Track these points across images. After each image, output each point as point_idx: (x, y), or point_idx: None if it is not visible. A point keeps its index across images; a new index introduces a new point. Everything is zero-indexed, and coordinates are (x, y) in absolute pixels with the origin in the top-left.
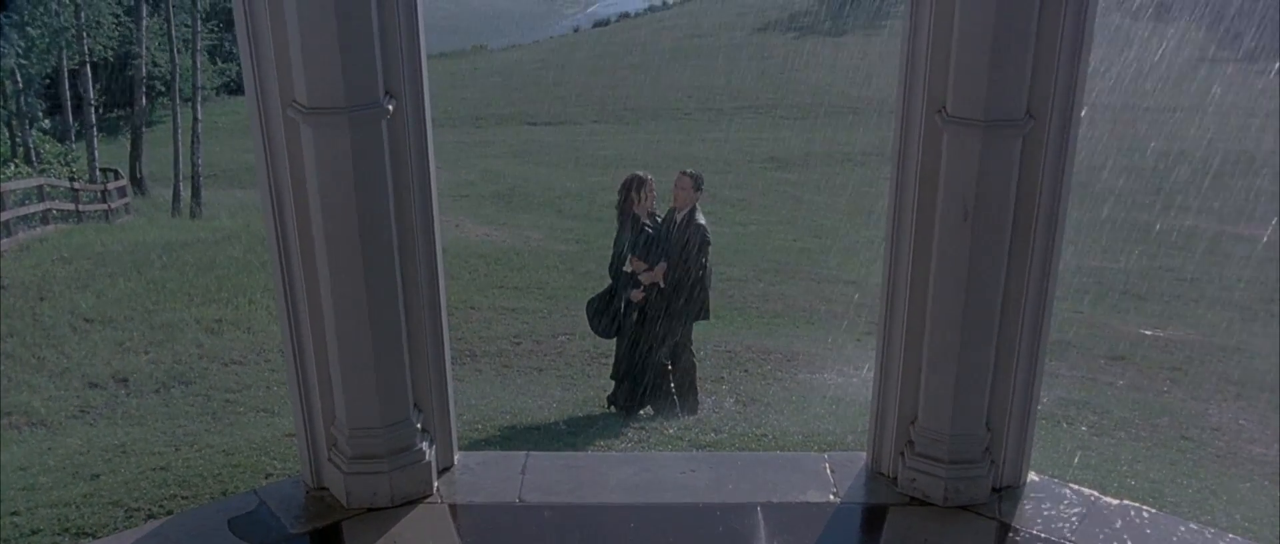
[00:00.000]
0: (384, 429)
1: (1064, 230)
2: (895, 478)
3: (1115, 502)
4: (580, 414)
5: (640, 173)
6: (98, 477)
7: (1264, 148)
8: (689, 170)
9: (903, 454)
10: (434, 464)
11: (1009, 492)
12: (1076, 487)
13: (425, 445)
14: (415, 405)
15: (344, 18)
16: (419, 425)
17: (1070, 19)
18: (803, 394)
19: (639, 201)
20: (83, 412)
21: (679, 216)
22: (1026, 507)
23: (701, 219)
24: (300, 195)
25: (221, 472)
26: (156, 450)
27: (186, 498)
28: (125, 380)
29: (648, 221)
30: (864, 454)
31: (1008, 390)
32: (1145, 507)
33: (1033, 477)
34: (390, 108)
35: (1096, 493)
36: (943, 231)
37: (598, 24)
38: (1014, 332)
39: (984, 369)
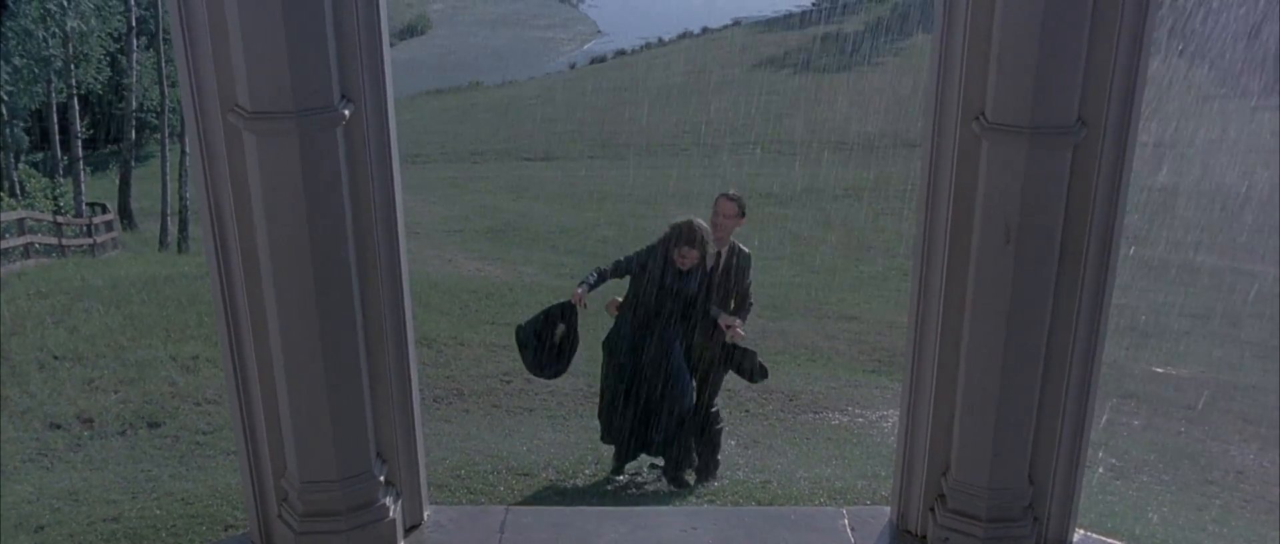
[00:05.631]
0: (341, 483)
1: (1119, 254)
2: (924, 537)
3: None
4: (571, 459)
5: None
6: (42, 529)
7: (1266, 184)
8: (731, 193)
9: (933, 510)
10: (400, 522)
11: None
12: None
13: (389, 501)
14: (378, 455)
15: (292, 8)
16: (382, 478)
17: (1130, 9)
18: (807, 436)
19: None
20: (41, 454)
21: (721, 252)
22: None
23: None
24: (243, 213)
25: (177, 523)
26: (112, 499)
27: None
28: (90, 421)
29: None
30: (888, 509)
31: (1053, 438)
32: None
33: (1079, 534)
34: (346, 113)
35: None
36: (981, 256)
37: (594, 61)
38: (1061, 371)
39: (1027, 414)
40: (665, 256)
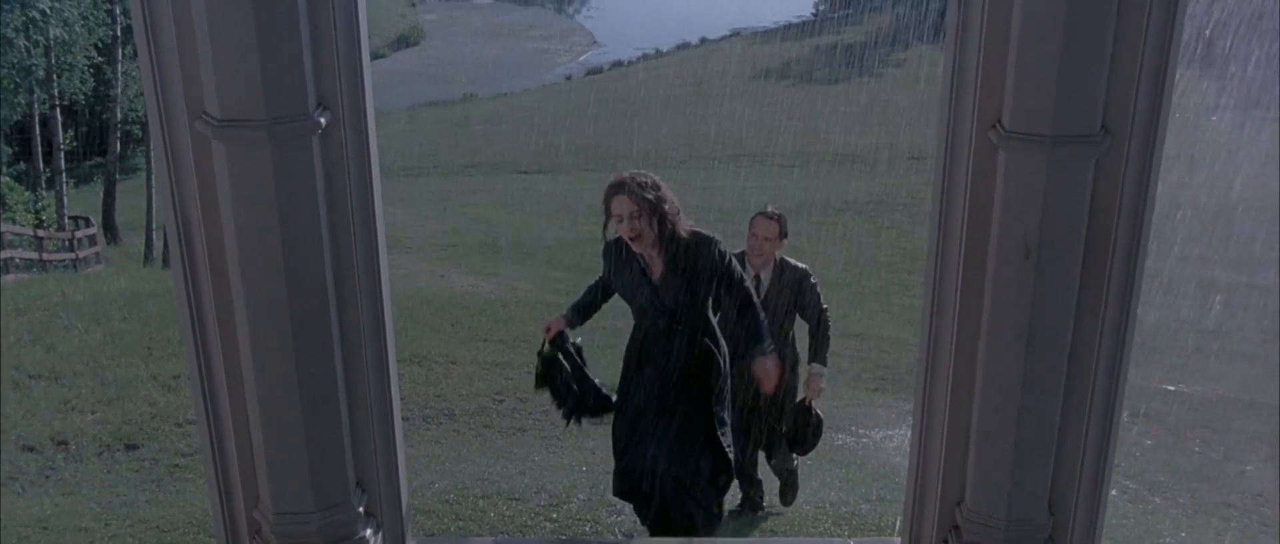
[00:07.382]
0: (318, 514)
1: (1144, 270)
2: None
3: None
4: (564, 482)
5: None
6: None
7: (1273, 196)
8: (769, 210)
9: (947, 543)
10: None
11: None
12: None
13: (369, 532)
14: (358, 484)
15: (263, 8)
16: (362, 509)
17: (1158, 9)
18: (811, 458)
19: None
20: (12, 479)
21: (764, 276)
22: None
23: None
24: (212, 227)
25: None
26: (83, 526)
27: None
28: (65, 443)
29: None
30: (897, 541)
31: (1075, 466)
32: None
33: None
34: (323, 121)
35: None
36: (998, 272)
37: (590, 72)
38: (1084, 395)
39: (1047, 441)
40: (620, 256)
